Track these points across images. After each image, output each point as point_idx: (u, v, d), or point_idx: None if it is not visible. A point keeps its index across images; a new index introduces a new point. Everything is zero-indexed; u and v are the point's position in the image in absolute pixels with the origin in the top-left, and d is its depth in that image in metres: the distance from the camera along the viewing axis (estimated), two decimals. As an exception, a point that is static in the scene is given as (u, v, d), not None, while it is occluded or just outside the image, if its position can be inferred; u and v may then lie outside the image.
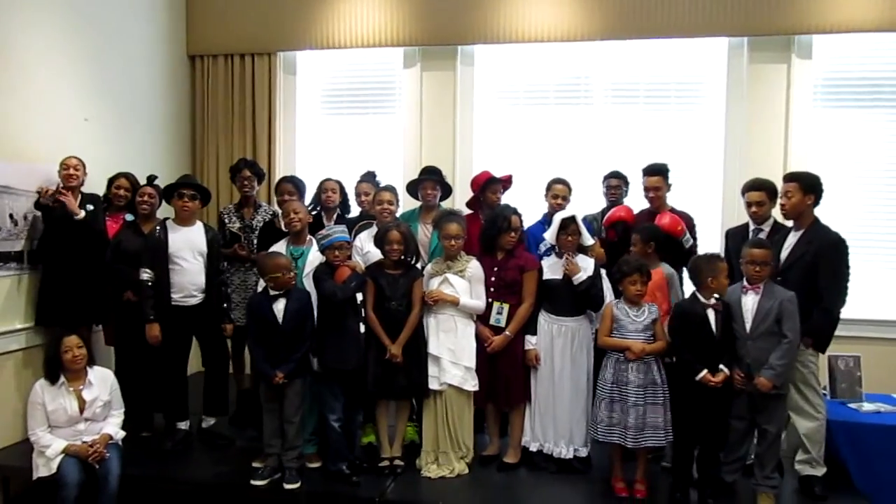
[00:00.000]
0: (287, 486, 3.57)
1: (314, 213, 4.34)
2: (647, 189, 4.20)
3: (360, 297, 3.72)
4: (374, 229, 4.03)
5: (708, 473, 3.46)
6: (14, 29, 4.10)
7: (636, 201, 4.37)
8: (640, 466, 3.54)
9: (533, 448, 3.81)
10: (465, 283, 3.71)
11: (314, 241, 3.85)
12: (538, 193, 4.44)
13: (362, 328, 3.72)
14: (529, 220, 4.36)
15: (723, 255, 3.93)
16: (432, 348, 3.70)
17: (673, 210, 4.18)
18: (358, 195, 4.51)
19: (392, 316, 3.67)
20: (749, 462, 3.54)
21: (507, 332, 3.72)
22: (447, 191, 4.41)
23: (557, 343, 3.74)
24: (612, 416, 3.45)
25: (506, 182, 4.36)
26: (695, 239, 4.13)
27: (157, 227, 4.00)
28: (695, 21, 5.07)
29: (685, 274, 3.71)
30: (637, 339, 3.45)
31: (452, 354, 3.68)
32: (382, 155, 5.63)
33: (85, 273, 4.07)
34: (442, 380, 3.68)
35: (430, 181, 4.28)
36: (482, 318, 3.77)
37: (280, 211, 4.24)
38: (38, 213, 4.11)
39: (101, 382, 3.67)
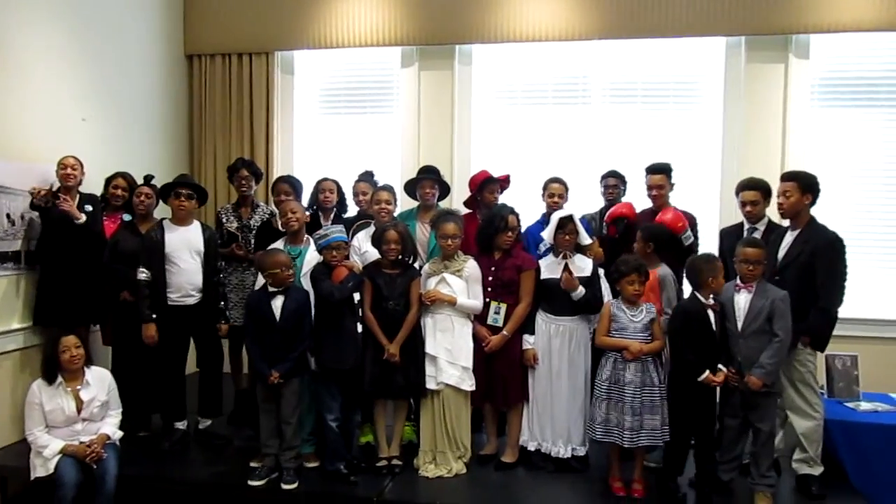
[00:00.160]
0: (285, 486, 3.57)
1: (311, 212, 4.34)
2: (649, 187, 4.20)
3: (357, 296, 3.72)
4: (371, 229, 4.03)
5: (706, 471, 3.46)
6: (11, 28, 4.09)
7: (636, 200, 4.36)
8: (638, 466, 3.54)
9: (531, 447, 3.81)
10: (462, 283, 3.71)
11: (312, 241, 3.85)
12: (536, 193, 4.43)
13: (360, 328, 3.72)
14: (528, 220, 4.36)
15: (718, 254, 3.95)
16: (429, 348, 3.70)
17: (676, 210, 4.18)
18: (356, 195, 4.51)
19: (389, 315, 3.67)
20: (746, 461, 3.54)
21: (505, 332, 3.72)
22: (445, 190, 4.41)
23: (555, 343, 3.74)
24: (609, 415, 3.46)
25: (503, 182, 4.36)
26: (696, 237, 4.13)
27: (154, 227, 4.00)
28: (692, 20, 5.08)
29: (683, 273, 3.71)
30: (635, 339, 3.45)
31: (449, 354, 3.68)
32: (380, 154, 5.63)
33: (83, 273, 4.07)
34: (439, 379, 3.68)
35: (428, 180, 4.28)
36: (480, 318, 3.77)
37: (277, 210, 4.23)
38: (35, 214, 4.09)
39: (99, 382, 3.67)
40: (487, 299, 3.75)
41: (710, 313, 3.38)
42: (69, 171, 4.05)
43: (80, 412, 3.57)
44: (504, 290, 3.76)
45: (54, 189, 4.06)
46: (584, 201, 4.73)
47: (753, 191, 3.81)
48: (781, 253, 3.58)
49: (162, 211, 4.29)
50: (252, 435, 4.00)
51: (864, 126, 5.07)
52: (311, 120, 5.89)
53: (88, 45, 4.74)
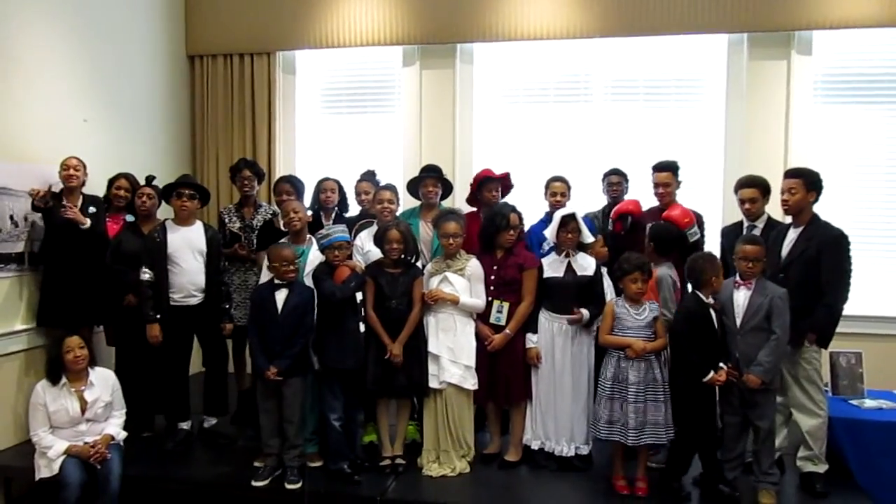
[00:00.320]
0: (288, 486, 3.57)
1: (312, 212, 4.33)
2: (655, 185, 4.19)
3: (359, 296, 3.72)
4: (374, 228, 4.03)
5: (714, 467, 3.46)
6: (13, 30, 4.10)
7: (639, 198, 4.34)
8: (641, 464, 3.53)
9: (534, 446, 3.81)
10: (464, 282, 3.71)
11: (314, 241, 3.85)
12: (538, 192, 4.42)
13: (362, 327, 3.72)
14: (531, 218, 4.35)
15: (720, 252, 3.94)
16: (432, 347, 3.70)
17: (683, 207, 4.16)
18: (358, 194, 4.51)
19: (392, 315, 3.67)
20: (749, 460, 3.53)
21: (507, 331, 3.72)
22: (448, 189, 4.41)
23: (558, 341, 3.73)
24: (612, 414, 3.45)
25: (504, 179, 4.33)
26: (703, 235, 4.11)
27: (157, 228, 4.00)
28: (694, 18, 5.06)
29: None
30: (638, 338, 3.44)
31: (452, 353, 3.68)
32: (382, 154, 5.63)
33: (86, 274, 4.07)
34: (441, 378, 3.68)
35: (430, 179, 4.27)
36: (482, 317, 3.77)
37: (279, 210, 4.24)
38: (38, 215, 4.10)
39: (103, 383, 3.68)
40: (490, 298, 3.75)
41: (712, 312, 3.38)
42: (71, 171, 4.05)
43: (84, 413, 3.58)
44: (506, 289, 3.75)
45: (53, 189, 4.05)
46: (587, 199, 4.72)
47: (752, 188, 3.80)
48: (785, 250, 3.57)
49: (164, 211, 4.30)
50: (254, 435, 4.00)
51: (866, 123, 5.05)
52: (313, 119, 5.88)
53: (90, 46, 4.74)
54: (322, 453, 3.81)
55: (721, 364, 3.33)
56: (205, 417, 4.26)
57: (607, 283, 3.81)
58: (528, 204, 4.39)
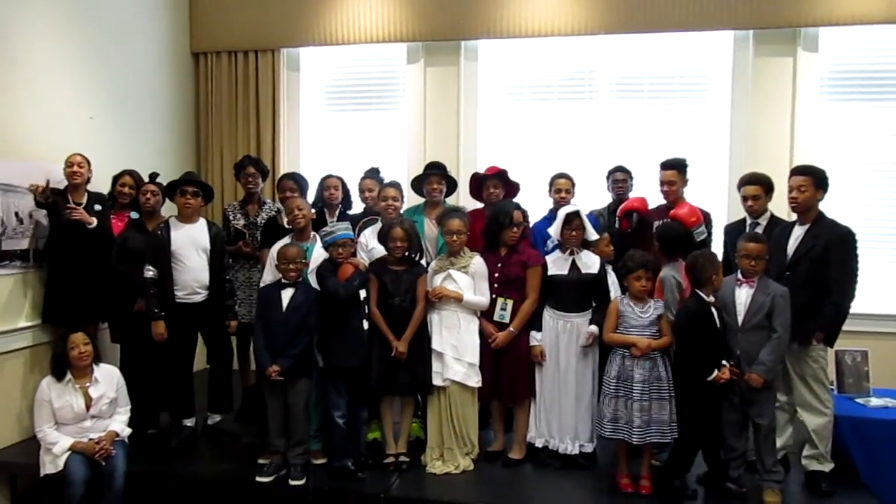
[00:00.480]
0: (292, 483, 3.57)
1: (316, 209, 4.33)
2: (662, 183, 4.17)
3: (363, 293, 3.72)
4: (378, 226, 4.02)
5: (719, 465, 3.46)
6: (17, 27, 4.10)
7: (647, 195, 4.32)
8: (646, 462, 3.53)
9: (539, 444, 3.80)
10: (468, 280, 3.71)
11: (318, 238, 3.85)
12: (543, 189, 4.41)
13: (366, 325, 3.72)
14: (535, 216, 4.33)
15: (723, 250, 3.93)
16: (435, 344, 3.70)
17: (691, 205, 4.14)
18: (362, 191, 4.50)
19: (395, 312, 3.67)
20: (752, 458, 3.52)
21: (511, 329, 3.71)
22: (452, 186, 4.40)
23: (563, 339, 3.73)
24: (617, 412, 3.45)
25: (504, 177, 4.30)
26: (710, 234, 4.09)
27: (160, 225, 4.01)
28: (699, 14, 5.04)
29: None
30: (642, 335, 3.43)
31: (455, 350, 3.68)
32: (386, 151, 5.63)
33: (91, 271, 4.07)
34: (445, 376, 3.67)
35: (435, 176, 4.26)
36: (486, 315, 3.77)
37: (283, 207, 4.24)
38: (43, 212, 4.11)
39: (108, 380, 3.69)
40: (494, 296, 3.74)
41: (714, 311, 3.37)
42: (76, 168, 4.05)
43: (89, 409, 3.59)
44: (510, 287, 3.75)
45: (52, 185, 4.05)
46: (591, 197, 4.71)
47: (755, 185, 3.80)
48: (791, 248, 3.55)
49: (168, 209, 4.30)
50: (258, 432, 4.01)
51: (873, 120, 5.02)
52: (317, 117, 5.88)
53: (95, 43, 4.74)
54: (326, 450, 3.81)
55: (724, 362, 3.32)
56: (209, 414, 4.27)
57: (612, 281, 3.80)
58: (533, 201, 4.37)
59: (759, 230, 3.73)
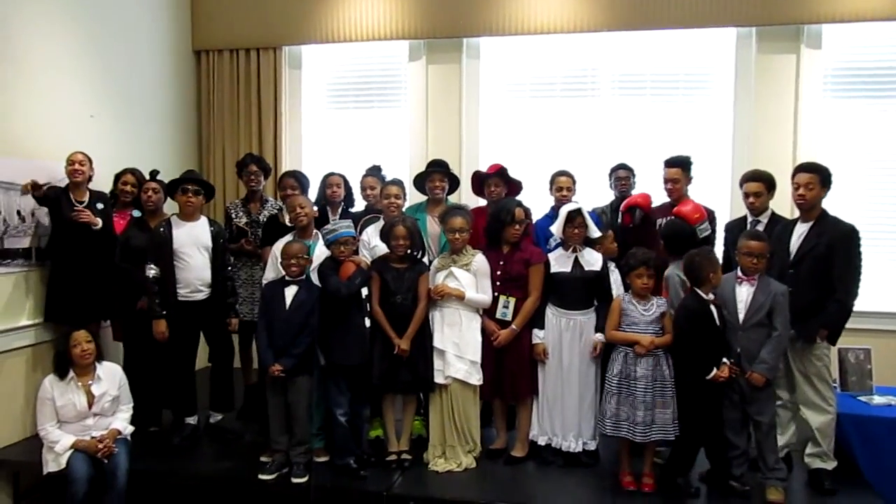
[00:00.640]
0: (295, 480, 3.58)
1: (318, 207, 4.33)
2: (665, 180, 4.16)
3: (364, 291, 3.71)
4: (380, 223, 4.01)
5: (721, 463, 3.45)
6: (18, 25, 4.10)
7: (650, 193, 4.31)
8: (648, 460, 3.52)
9: (541, 442, 3.80)
10: (470, 277, 3.70)
11: (320, 236, 3.85)
12: (545, 186, 4.40)
13: (368, 323, 3.72)
14: (538, 213, 4.32)
15: (724, 248, 3.92)
16: (437, 342, 3.70)
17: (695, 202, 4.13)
18: (363, 189, 4.49)
19: (397, 310, 3.67)
20: (755, 456, 3.52)
21: (514, 327, 3.71)
22: (455, 184, 4.39)
23: (566, 337, 3.72)
24: (619, 410, 3.44)
25: (504, 175, 4.29)
26: (714, 231, 4.08)
27: (162, 224, 4.01)
28: (702, 11, 5.02)
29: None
30: (646, 333, 3.43)
31: (457, 348, 3.67)
32: (388, 149, 5.62)
33: (93, 270, 4.07)
34: (447, 373, 3.67)
35: (437, 174, 4.25)
36: (488, 313, 3.76)
37: (285, 205, 4.23)
38: (45, 210, 4.11)
39: (110, 377, 3.70)
40: (496, 293, 3.74)
41: (713, 308, 3.36)
42: (77, 166, 4.04)
43: (92, 407, 3.60)
44: (512, 284, 3.74)
45: (53, 183, 4.05)
46: (593, 194, 4.70)
47: (757, 182, 3.79)
48: (794, 245, 3.54)
49: (170, 207, 4.30)
50: (261, 430, 4.01)
51: (877, 117, 5.00)
52: (319, 114, 5.88)
53: (96, 41, 4.74)
54: (328, 448, 3.81)
55: (724, 360, 3.32)
56: (210, 413, 4.27)
57: (615, 279, 3.79)
58: (535, 199, 4.36)
59: (760, 228, 3.73)
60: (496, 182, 4.21)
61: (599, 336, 3.64)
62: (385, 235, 3.74)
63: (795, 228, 3.59)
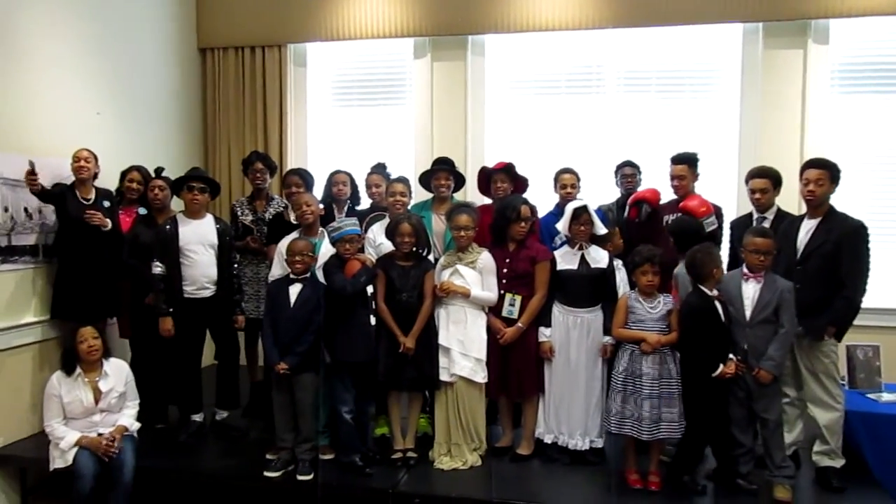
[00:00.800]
0: (300, 478, 3.57)
1: (324, 205, 4.32)
2: (671, 177, 4.15)
3: (370, 289, 3.71)
4: (386, 221, 4.01)
5: (728, 461, 3.44)
6: (24, 24, 4.11)
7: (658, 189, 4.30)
8: (654, 458, 3.51)
9: (548, 440, 3.79)
10: (475, 275, 3.69)
11: (326, 234, 3.85)
12: (551, 183, 4.39)
13: (373, 320, 3.71)
14: (543, 210, 4.31)
15: (729, 245, 3.90)
16: (442, 339, 3.69)
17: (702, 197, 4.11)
18: (368, 187, 4.49)
19: (402, 308, 3.66)
20: (761, 454, 3.50)
21: (520, 324, 3.70)
22: (460, 181, 4.37)
23: (573, 334, 3.71)
24: (625, 408, 3.42)
25: (512, 171, 4.28)
26: (720, 227, 4.06)
27: (168, 221, 4.02)
28: (708, 7, 5.00)
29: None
30: (652, 331, 3.41)
31: (462, 346, 3.66)
32: (393, 146, 5.62)
33: (100, 267, 4.08)
34: (452, 371, 3.66)
35: (443, 172, 4.24)
36: (494, 310, 3.75)
37: (290, 203, 4.23)
38: (51, 208, 4.11)
39: (117, 373, 3.71)
40: (502, 291, 3.73)
41: (717, 305, 3.34)
42: (82, 163, 4.04)
43: (98, 403, 3.60)
44: (519, 282, 3.73)
45: (59, 180, 4.06)
46: (599, 192, 4.69)
47: (763, 179, 3.77)
48: (801, 242, 3.52)
49: (178, 204, 4.30)
50: (266, 427, 4.01)
51: (885, 113, 4.96)
52: (324, 112, 5.88)
53: (102, 39, 4.75)
54: (334, 446, 3.81)
55: (730, 356, 3.30)
56: (216, 410, 4.27)
57: (622, 276, 3.77)
58: (541, 196, 4.35)
59: (766, 224, 3.71)
60: (502, 178, 4.20)
61: (609, 339, 3.63)
62: (390, 233, 3.74)
63: (802, 225, 3.57)
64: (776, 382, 3.36)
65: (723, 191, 5.02)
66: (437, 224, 4.14)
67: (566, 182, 4.23)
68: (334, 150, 5.78)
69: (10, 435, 4.00)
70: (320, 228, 3.93)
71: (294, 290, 3.64)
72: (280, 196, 4.80)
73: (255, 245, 4.42)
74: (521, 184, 4.27)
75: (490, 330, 3.73)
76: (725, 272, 3.53)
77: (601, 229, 3.76)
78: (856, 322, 3.52)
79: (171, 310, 3.93)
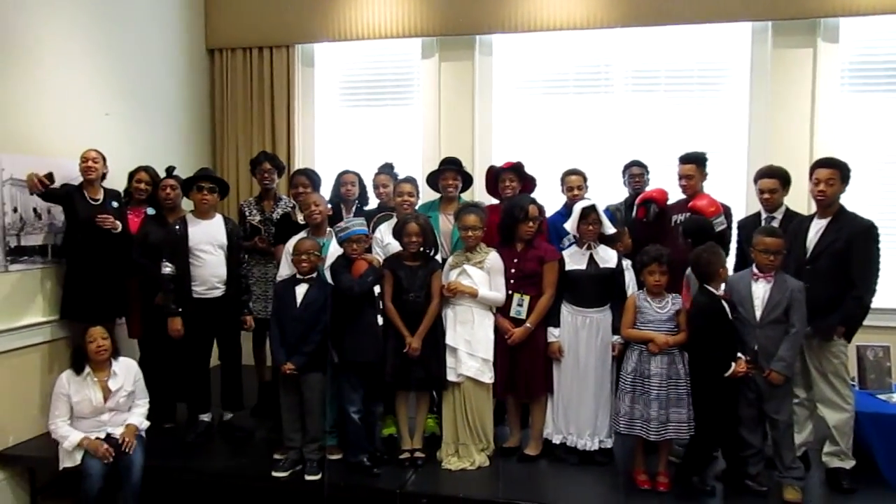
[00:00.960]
0: (308, 478, 3.58)
1: (332, 205, 4.33)
2: (679, 177, 4.12)
3: (377, 289, 3.71)
4: (393, 221, 4.01)
5: (738, 462, 3.42)
6: (33, 24, 4.13)
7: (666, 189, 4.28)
8: (663, 459, 3.50)
9: (556, 440, 3.78)
10: (483, 275, 3.69)
11: (334, 234, 3.85)
12: (558, 183, 4.37)
13: (381, 320, 3.71)
14: (551, 210, 4.29)
15: (737, 245, 3.88)
16: (449, 339, 3.69)
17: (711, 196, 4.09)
18: (376, 187, 4.49)
19: (410, 308, 3.66)
20: (771, 455, 3.48)
21: (528, 325, 3.69)
22: (468, 181, 4.37)
23: (582, 334, 3.70)
24: (633, 408, 3.41)
25: (521, 171, 4.27)
26: (729, 227, 4.04)
27: (177, 221, 4.03)
28: (717, 6, 4.97)
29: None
30: (660, 331, 3.40)
31: (469, 346, 3.66)
32: (401, 146, 5.62)
33: (109, 267, 4.10)
34: (459, 371, 3.66)
35: (450, 172, 4.23)
36: (502, 311, 3.74)
37: (298, 203, 4.24)
38: (60, 208, 4.13)
39: (126, 372, 3.72)
40: (510, 291, 3.72)
41: (725, 304, 3.33)
42: (90, 163, 4.06)
43: (107, 402, 3.62)
44: (527, 282, 3.72)
45: (67, 181, 4.07)
46: (607, 191, 4.67)
47: (772, 179, 3.75)
48: (811, 241, 3.50)
49: (189, 203, 4.31)
50: (274, 427, 4.01)
51: (894, 112, 4.92)
52: (332, 112, 5.88)
53: (110, 40, 4.77)
54: (341, 446, 3.81)
55: (739, 355, 3.29)
56: (223, 411, 4.28)
57: (630, 276, 3.76)
58: (549, 196, 4.34)
59: (775, 224, 3.69)
60: (511, 177, 4.17)
61: (618, 338, 3.62)
62: (398, 233, 3.74)
63: (812, 224, 3.55)
64: (787, 383, 3.34)
65: (731, 190, 4.99)
66: (445, 224, 4.14)
67: (572, 183, 4.21)
68: (342, 151, 5.78)
69: (20, 434, 4.02)
70: (328, 228, 3.93)
71: (300, 290, 3.65)
72: (288, 196, 4.81)
73: (263, 245, 4.43)
74: (529, 183, 4.25)
75: (498, 330, 3.73)
76: (733, 272, 3.51)
77: (609, 229, 3.74)
78: (866, 322, 3.50)
79: (180, 310, 3.94)
